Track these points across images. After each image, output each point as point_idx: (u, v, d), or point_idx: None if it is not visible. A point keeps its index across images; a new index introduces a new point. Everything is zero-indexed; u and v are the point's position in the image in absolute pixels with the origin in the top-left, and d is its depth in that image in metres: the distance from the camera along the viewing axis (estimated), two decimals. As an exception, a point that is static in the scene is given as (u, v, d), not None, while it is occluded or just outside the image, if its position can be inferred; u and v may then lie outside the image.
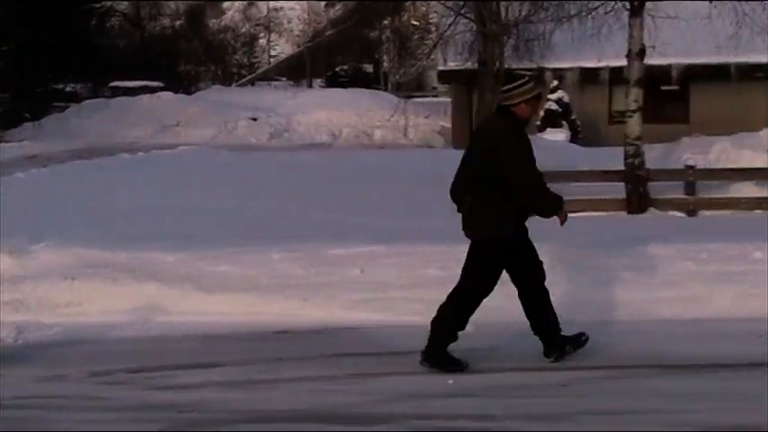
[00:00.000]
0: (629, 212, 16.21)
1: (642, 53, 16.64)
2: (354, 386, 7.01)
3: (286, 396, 6.77)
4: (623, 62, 17.11)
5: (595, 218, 14.67)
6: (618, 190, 16.63)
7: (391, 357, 7.65)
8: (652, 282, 9.37)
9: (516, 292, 7.45)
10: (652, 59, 18.27)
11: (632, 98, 16.55)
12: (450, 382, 6.96)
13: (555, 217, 7.30)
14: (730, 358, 7.39)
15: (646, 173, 16.65)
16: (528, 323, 7.44)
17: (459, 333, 7.33)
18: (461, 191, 7.41)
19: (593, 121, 29.14)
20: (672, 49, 21.95)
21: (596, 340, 7.56)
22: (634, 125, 16.54)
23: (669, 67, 27.80)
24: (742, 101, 28.90)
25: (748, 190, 17.30)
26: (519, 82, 7.27)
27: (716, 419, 6.08)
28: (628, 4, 16.80)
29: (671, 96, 30.50)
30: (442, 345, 7.27)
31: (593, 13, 17.78)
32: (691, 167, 17.11)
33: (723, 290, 9.15)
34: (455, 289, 7.40)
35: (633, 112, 16.56)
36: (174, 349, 8.11)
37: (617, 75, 20.47)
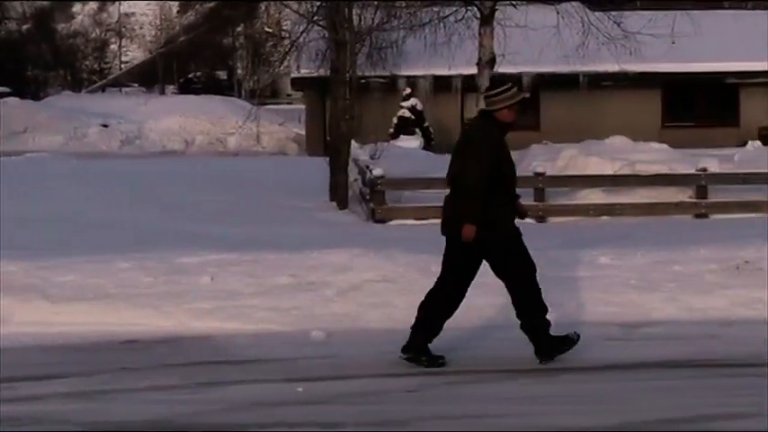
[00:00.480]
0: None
1: (492, 61, 16.91)
2: (198, 395, 6.87)
3: (127, 407, 6.58)
4: (474, 70, 17.35)
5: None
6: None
7: (240, 366, 7.55)
8: (497, 288, 9.44)
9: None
10: (502, 68, 18.59)
11: (482, 106, 16.76)
12: (300, 389, 6.88)
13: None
14: (575, 362, 7.50)
15: (495, 180, 16.85)
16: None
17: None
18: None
19: (446, 128, 29.40)
20: (521, 57, 22.34)
21: (439, 347, 7.58)
22: (485, 133, 16.73)
23: (519, 75, 28.33)
24: (591, 109, 29.69)
25: (596, 196, 17.71)
26: (502, 88, 7.50)
27: (554, 422, 6.16)
28: (478, 13, 17.05)
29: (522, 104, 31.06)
30: (424, 339, 7.39)
31: (444, 22, 17.97)
32: (540, 174, 17.40)
33: (570, 295, 9.28)
34: (438, 283, 7.51)
35: (485, 120, 16.75)
36: (17, 361, 7.82)
37: (469, 82, 20.74)
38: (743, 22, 33.17)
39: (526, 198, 17.29)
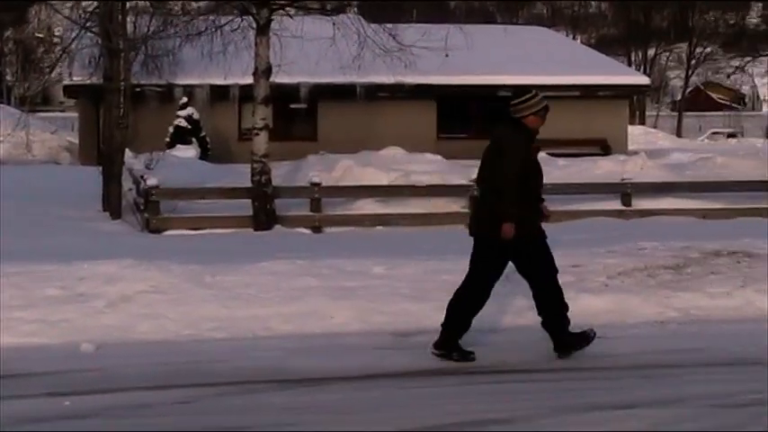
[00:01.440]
0: (255, 229, 16.37)
1: (268, 71, 16.89)
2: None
3: None
4: (251, 80, 17.29)
5: (222, 235, 14.69)
6: (246, 207, 16.75)
7: (4, 381, 7.22)
8: (273, 297, 9.44)
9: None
10: (280, 78, 18.59)
11: (259, 116, 16.77)
12: (67, 403, 6.65)
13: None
14: (349, 371, 7.55)
15: (272, 190, 16.87)
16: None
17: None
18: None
19: (223, 137, 29.24)
20: (298, 68, 22.44)
21: (213, 358, 7.47)
22: (261, 142, 16.74)
23: (297, 85, 28.47)
24: (368, 120, 30.07)
25: (371, 207, 17.96)
26: (527, 96, 7.88)
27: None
28: (254, 23, 17.00)
29: (300, 115, 31.25)
30: (454, 336, 7.78)
31: (220, 30, 17.83)
32: (316, 184, 17.52)
33: (343, 304, 9.34)
34: (465, 282, 7.88)
35: (260, 129, 16.77)
36: None
37: (246, 92, 20.66)
38: (515, 37, 34.39)
39: (303, 208, 17.48)
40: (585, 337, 7.89)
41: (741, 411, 6.37)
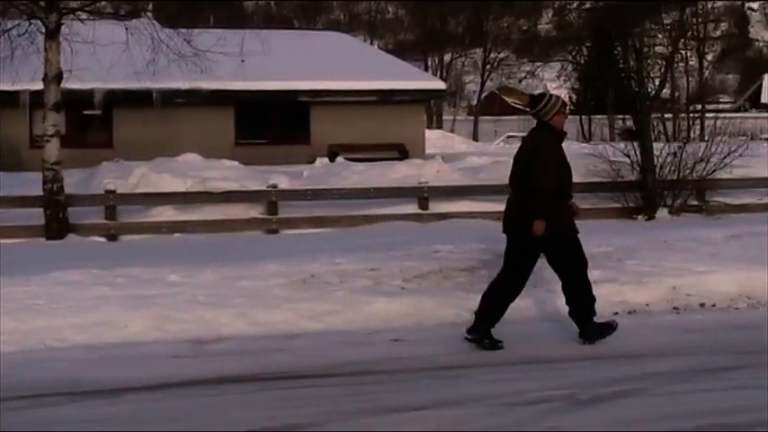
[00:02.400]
0: (47, 239, 15.89)
1: (59, 77, 16.42)
2: None
3: None
4: (41, 85, 16.77)
5: (13, 245, 14.18)
6: (37, 216, 16.23)
7: None
8: (65, 308, 9.18)
9: None
10: (72, 84, 18.08)
11: (50, 122, 16.31)
12: None
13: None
14: (146, 381, 7.41)
15: (65, 198, 16.42)
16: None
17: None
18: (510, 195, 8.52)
19: (14, 145, 28.28)
20: (91, 74, 21.84)
21: (2, 372, 7.21)
22: (52, 150, 16.26)
23: (91, 91, 27.78)
24: (164, 126, 29.61)
25: (168, 214, 17.68)
26: (545, 100, 8.45)
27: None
28: (43, 28, 16.49)
29: (94, 121, 30.51)
30: (487, 324, 8.36)
31: (7, 34, 17.19)
32: (111, 192, 17.15)
33: (139, 313, 9.17)
34: (499, 276, 8.52)
35: (51, 136, 16.29)
36: None
37: (36, 98, 19.99)
38: (312, 43, 34.52)
39: (98, 216, 17.06)
40: (609, 326, 8.48)
41: (530, 409, 6.55)
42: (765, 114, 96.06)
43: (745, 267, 10.69)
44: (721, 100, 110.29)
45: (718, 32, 71.67)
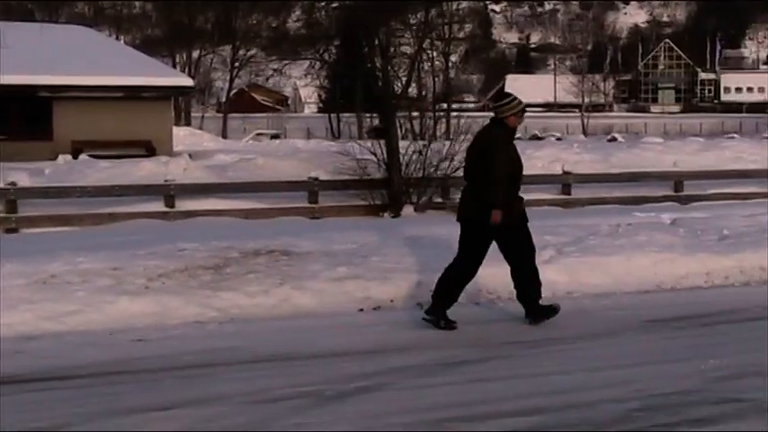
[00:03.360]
0: None
1: None
2: None
3: None
4: None
5: None
6: None
7: None
8: None
9: None
10: None
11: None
12: None
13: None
14: None
15: None
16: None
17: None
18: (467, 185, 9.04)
19: None
20: None
21: None
22: None
23: None
24: None
25: None
26: (507, 100, 9.02)
27: None
28: None
29: None
30: (443, 306, 8.93)
31: None
32: None
33: None
34: (454, 262, 9.01)
35: None
36: None
37: None
38: (54, 36, 33.40)
39: None
40: (553, 309, 9.09)
41: (278, 405, 6.53)
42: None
43: (486, 263, 11.01)
44: (466, 99, 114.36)
45: (463, 33, 74.02)
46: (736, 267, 11.37)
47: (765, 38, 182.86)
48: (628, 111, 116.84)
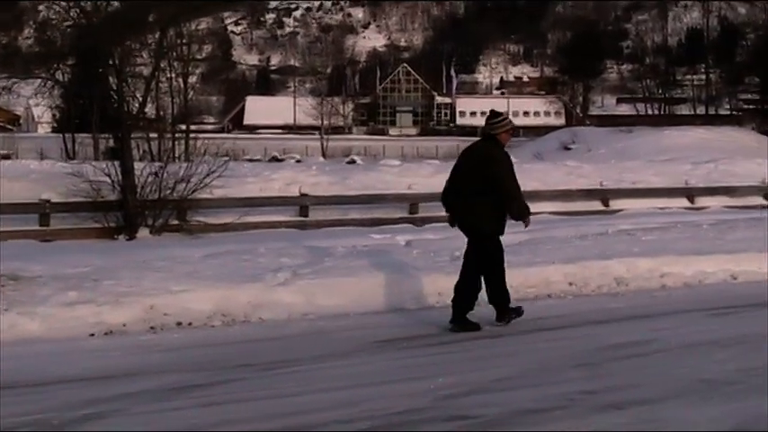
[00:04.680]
0: None
1: None
2: None
3: None
4: None
5: None
6: None
7: None
8: None
9: None
10: None
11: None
12: None
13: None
14: None
15: None
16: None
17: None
18: (453, 198, 9.87)
19: None
20: None
21: None
22: None
23: None
24: None
25: None
26: (500, 118, 9.77)
27: None
28: None
29: None
30: (464, 314, 9.70)
31: None
32: None
33: None
34: (467, 273, 9.78)
35: None
36: None
37: None
38: None
39: None
40: (519, 310, 10.02)
41: None
42: (248, 135, 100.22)
43: (223, 286, 10.94)
44: (206, 121, 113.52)
45: (202, 54, 73.40)
46: (465, 286, 11.75)
47: (497, 64, 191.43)
48: (367, 133, 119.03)
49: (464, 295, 9.75)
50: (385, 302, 11.14)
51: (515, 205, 9.57)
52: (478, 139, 10.08)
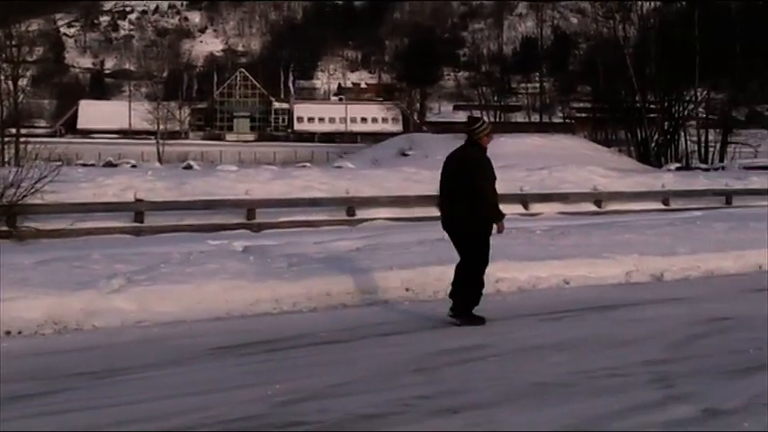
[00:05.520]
0: None
1: None
2: None
3: None
4: None
5: None
6: None
7: None
8: None
9: None
10: None
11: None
12: None
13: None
14: None
15: None
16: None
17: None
18: (448, 199, 10.32)
19: None
20: None
21: None
22: None
23: None
24: None
25: None
26: (479, 123, 10.39)
27: None
28: None
29: None
30: (469, 307, 10.28)
31: None
32: None
33: None
34: (463, 268, 10.27)
35: None
36: None
37: None
38: None
39: None
40: (480, 319, 10.28)
41: None
42: (82, 140, 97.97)
43: (54, 293, 10.63)
44: (38, 125, 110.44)
45: (33, 56, 71.44)
46: (304, 294, 11.68)
47: (336, 70, 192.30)
48: (204, 138, 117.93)
49: (466, 291, 10.31)
50: (222, 309, 11.01)
51: (485, 207, 10.05)
52: (462, 144, 10.51)
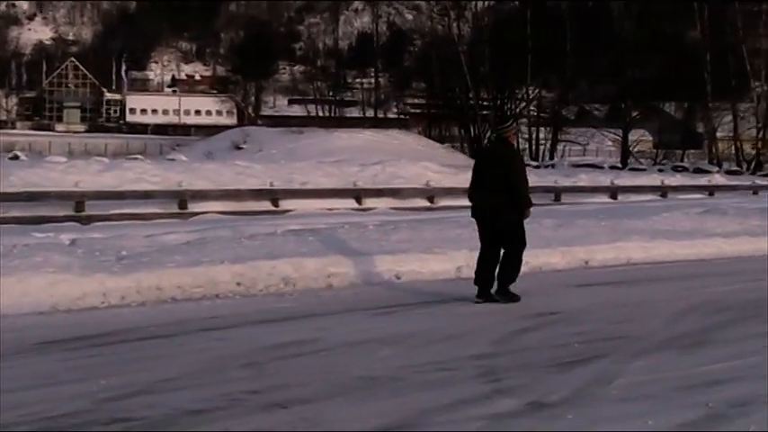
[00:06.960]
0: None
1: None
2: None
3: None
4: None
5: None
6: None
7: None
8: None
9: None
10: None
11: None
12: None
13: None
14: None
15: None
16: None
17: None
18: (476, 192, 11.56)
19: None
20: None
21: None
22: None
23: None
24: None
25: None
26: (509, 122, 12.31)
27: None
28: None
29: None
30: (507, 286, 11.49)
31: None
32: None
33: None
34: (506, 252, 11.44)
35: None
36: None
37: None
38: None
39: None
40: (517, 297, 11.47)
41: None
42: None
43: None
44: None
45: None
46: (133, 287, 11.46)
47: (169, 61, 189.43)
48: (32, 128, 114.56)
49: (488, 274, 11.46)
50: (47, 303, 10.71)
51: (524, 198, 11.31)
52: (491, 140, 12.56)
